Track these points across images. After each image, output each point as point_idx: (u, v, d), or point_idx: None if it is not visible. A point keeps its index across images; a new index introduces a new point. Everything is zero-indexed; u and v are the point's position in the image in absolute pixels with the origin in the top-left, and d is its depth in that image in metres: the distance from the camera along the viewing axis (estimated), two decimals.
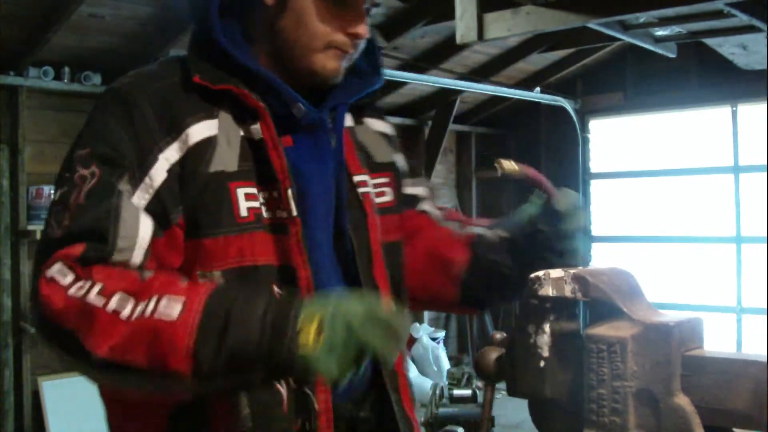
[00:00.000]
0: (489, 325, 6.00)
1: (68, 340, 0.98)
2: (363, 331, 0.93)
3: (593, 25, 3.89)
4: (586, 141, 6.17)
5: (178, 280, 1.03)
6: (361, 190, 1.24)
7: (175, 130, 1.10)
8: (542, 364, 0.91)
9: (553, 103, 5.83)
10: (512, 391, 0.98)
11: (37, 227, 4.10)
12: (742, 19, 3.86)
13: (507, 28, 3.50)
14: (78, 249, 1.02)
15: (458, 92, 5.69)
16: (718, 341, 5.36)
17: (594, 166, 6.22)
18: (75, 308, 0.97)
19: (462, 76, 5.37)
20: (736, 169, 5.47)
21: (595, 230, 6.17)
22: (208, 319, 0.95)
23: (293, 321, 0.95)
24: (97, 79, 4.34)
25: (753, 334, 5.36)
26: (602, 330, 0.85)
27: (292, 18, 1.16)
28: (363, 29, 1.18)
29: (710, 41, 4.61)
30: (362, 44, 1.21)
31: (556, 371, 0.91)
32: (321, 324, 0.94)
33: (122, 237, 1.04)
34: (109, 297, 0.97)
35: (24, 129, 4.17)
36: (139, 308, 0.97)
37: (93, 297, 0.97)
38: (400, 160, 1.38)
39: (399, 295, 1.27)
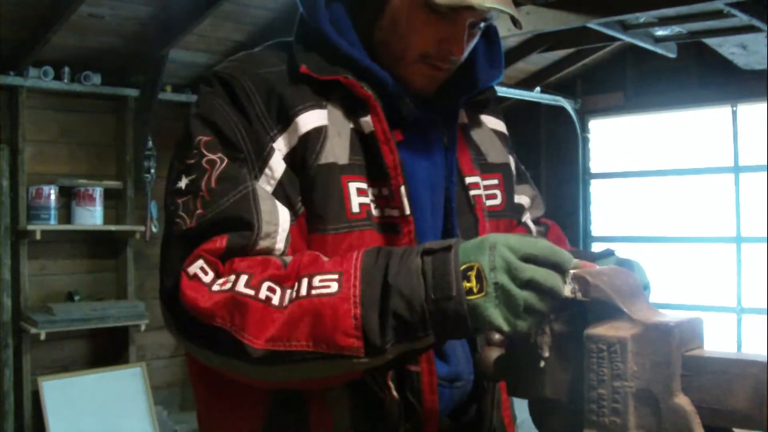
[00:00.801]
0: None
1: (220, 337, 0.91)
2: (525, 268, 0.84)
3: (593, 25, 3.89)
4: (586, 141, 6.16)
5: (320, 257, 0.95)
6: (473, 192, 1.17)
7: (284, 119, 1.04)
8: (542, 364, 0.91)
9: (553, 103, 5.83)
10: (512, 391, 0.98)
11: (37, 227, 4.11)
12: (742, 19, 3.86)
13: (507, 28, 3.50)
14: (221, 242, 0.95)
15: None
16: (718, 341, 5.36)
17: (594, 166, 6.22)
18: (224, 303, 0.91)
19: None
20: (736, 169, 5.47)
21: (595, 230, 6.17)
22: (368, 287, 0.87)
23: (455, 272, 0.85)
24: (97, 79, 4.34)
25: (753, 334, 5.36)
26: (602, 330, 0.85)
27: (389, 20, 1.08)
28: (458, 49, 1.07)
29: (710, 41, 4.61)
30: (459, 60, 1.10)
31: (556, 371, 0.91)
32: (481, 269, 0.84)
33: (266, 221, 0.98)
34: (258, 287, 0.91)
35: (24, 129, 4.18)
36: (291, 292, 0.90)
37: (241, 288, 0.91)
38: (512, 162, 1.31)
39: None
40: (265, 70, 1.08)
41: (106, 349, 4.58)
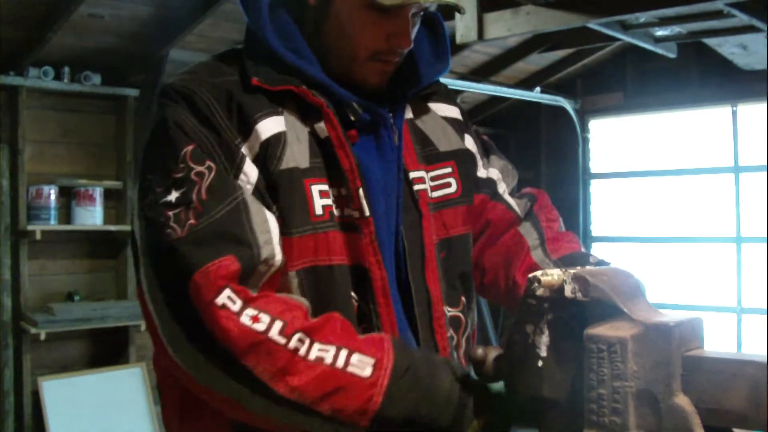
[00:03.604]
0: (489, 325, 5.99)
1: (245, 372, 0.96)
2: None
3: (593, 25, 3.89)
4: (586, 141, 6.16)
5: (352, 328, 1.03)
6: (416, 187, 1.19)
7: (244, 128, 1.06)
8: (540, 363, 0.91)
9: (553, 103, 5.83)
10: (511, 391, 0.98)
11: (37, 227, 4.11)
12: (742, 19, 3.86)
13: (507, 28, 3.51)
14: (230, 265, 0.97)
15: (458, 92, 5.69)
16: (718, 341, 5.36)
17: (594, 166, 6.22)
18: (255, 342, 0.95)
19: (462, 76, 5.37)
20: (736, 169, 5.46)
21: (595, 230, 6.17)
22: (397, 381, 0.97)
23: (468, 416, 1.00)
24: (97, 79, 4.34)
25: (753, 334, 5.36)
26: (602, 330, 0.85)
27: (335, 24, 1.11)
28: (407, 40, 1.11)
29: (710, 41, 4.61)
30: (406, 51, 1.14)
31: (554, 371, 0.91)
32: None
33: (260, 231, 1.01)
34: (290, 336, 0.96)
35: (24, 129, 4.18)
36: (324, 353, 0.97)
37: (275, 336, 0.96)
38: (470, 144, 1.32)
39: (466, 291, 1.24)
40: (222, 80, 1.10)
41: (106, 349, 4.58)
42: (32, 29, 3.80)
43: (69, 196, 4.35)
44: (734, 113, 5.46)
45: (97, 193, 4.36)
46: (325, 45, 1.14)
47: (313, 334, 0.98)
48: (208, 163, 1.03)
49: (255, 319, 0.96)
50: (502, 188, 1.35)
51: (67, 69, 4.23)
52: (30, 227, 4.11)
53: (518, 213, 1.33)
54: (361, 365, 0.97)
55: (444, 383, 1.00)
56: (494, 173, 1.35)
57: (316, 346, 0.97)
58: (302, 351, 0.96)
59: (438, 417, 0.99)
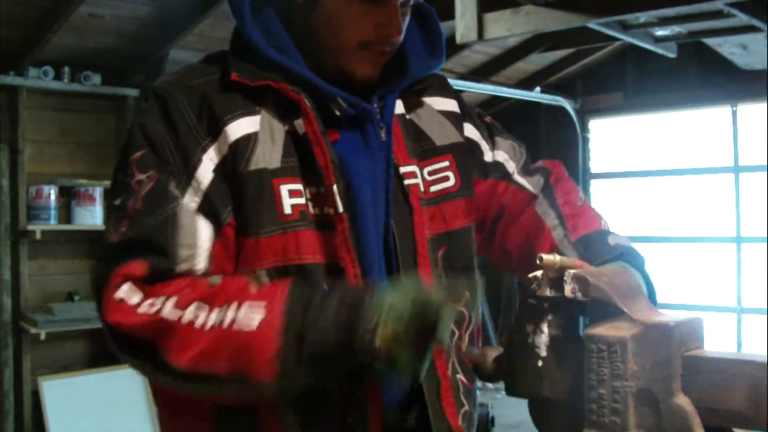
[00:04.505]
0: (489, 325, 6.00)
1: (145, 354, 0.98)
2: (420, 318, 0.94)
3: (593, 25, 3.89)
4: (586, 141, 6.16)
5: (249, 284, 1.01)
6: (407, 182, 1.18)
7: (214, 130, 1.07)
8: (540, 363, 0.91)
9: (553, 103, 5.83)
10: (510, 391, 0.98)
11: (37, 227, 4.11)
12: (742, 19, 3.86)
13: (507, 28, 3.51)
14: (139, 268, 0.99)
15: (458, 92, 5.69)
16: (718, 341, 5.36)
17: (594, 166, 6.22)
18: (150, 325, 0.97)
19: (462, 76, 5.37)
20: (736, 169, 5.46)
21: None
22: (288, 326, 0.95)
23: (366, 318, 0.94)
24: (97, 79, 4.34)
25: (753, 334, 5.36)
26: (602, 330, 0.85)
27: (323, 17, 1.11)
28: (396, 29, 1.11)
29: (710, 41, 4.61)
30: (398, 41, 1.15)
31: (554, 371, 0.91)
32: (387, 318, 0.94)
33: (183, 245, 1.02)
34: (183, 309, 0.97)
35: (24, 129, 4.18)
36: (216, 316, 0.96)
37: (167, 312, 0.97)
38: (471, 132, 1.31)
39: (469, 285, 1.22)
40: (201, 80, 1.11)
41: (106, 349, 4.50)
42: (32, 29, 3.80)
43: (69, 196, 4.35)
44: (734, 113, 5.46)
45: (97, 193, 4.36)
46: (314, 40, 1.14)
47: (212, 301, 0.97)
48: (150, 172, 1.05)
49: (152, 305, 0.98)
50: (511, 168, 1.34)
51: (67, 69, 4.23)
52: (30, 227, 4.11)
53: (532, 191, 1.31)
54: (249, 317, 0.95)
55: (330, 306, 0.97)
56: (501, 155, 1.34)
57: (216, 311, 0.96)
58: (200, 320, 0.96)
59: (337, 339, 0.95)
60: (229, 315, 0.96)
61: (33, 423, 4.17)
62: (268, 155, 1.08)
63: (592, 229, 1.21)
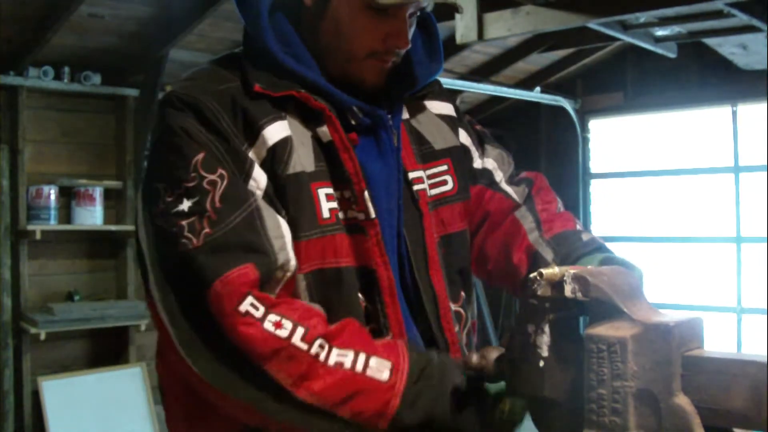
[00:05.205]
0: (489, 325, 5.99)
1: (266, 378, 0.97)
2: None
3: (593, 25, 3.89)
4: (586, 141, 6.16)
5: (368, 334, 1.06)
6: (416, 187, 1.20)
7: (250, 134, 1.07)
8: (541, 363, 0.91)
9: (553, 103, 5.83)
10: (512, 391, 0.98)
11: (37, 227, 4.11)
12: (742, 19, 3.86)
13: (507, 28, 3.51)
14: (250, 273, 0.99)
15: (458, 92, 5.69)
16: (718, 341, 5.35)
17: (594, 166, 6.22)
18: (278, 350, 0.97)
19: (462, 76, 5.37)
20: (736, 169, 5.46)
21: (595, 230, 6.17)
22: (413, 384, 1.00)
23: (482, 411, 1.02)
24: (97, 79, 4.34)
25: (753, 334, 5.36)
26: (602, 330, 0.85)
27: (331, 24, 1.12)
28: (404, 40, 1.13)
29: (710, 41, 4.61)
30: (403, 51, 1.16)
31: (555, 371, 0.91)
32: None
33: (274, 237, 1.02)
34: (311, 343, 0.98)
35: (24, 129, 4.18)
36: (337, 356, 0.99)
37: (297, 341, 0.98)
38: (464, 137, 1.33)
39: (465, 286, 1.26)
40: (225, 86, 1.10)
41: (106, 349, 4.57)
42: (32, 29, 3.80)
43: (69, 196, 4.35)
44: (734, 113, 5.46)
45: (97, 193, 4.36)
46: (321, 45, 1.14)
47: (332, 340, 1.00)
48: (220, 171, 1.03)
49: (278, 324, 0.98)
50: (499, 177, 1.36)
51: (67, 69, 4.23)
52: (30, 227, 4.11)
53: (516, 200, 1.33)
54: (379, 369, 0.99)
55: (445, 384, 1.02)
56: (490, 163, 1.36)
57: (335, 351, 0.99)
58: (322, 356, 0.98)
59: (453, 417, 1.01)
60: (360, 361, 0.99)
61: (33, 423, 4.17)
62: (304, 159, 1.09)
63: (565, 228, 1.27)
